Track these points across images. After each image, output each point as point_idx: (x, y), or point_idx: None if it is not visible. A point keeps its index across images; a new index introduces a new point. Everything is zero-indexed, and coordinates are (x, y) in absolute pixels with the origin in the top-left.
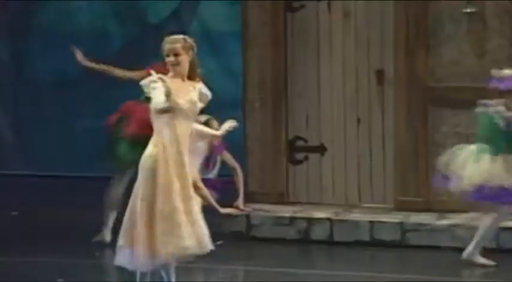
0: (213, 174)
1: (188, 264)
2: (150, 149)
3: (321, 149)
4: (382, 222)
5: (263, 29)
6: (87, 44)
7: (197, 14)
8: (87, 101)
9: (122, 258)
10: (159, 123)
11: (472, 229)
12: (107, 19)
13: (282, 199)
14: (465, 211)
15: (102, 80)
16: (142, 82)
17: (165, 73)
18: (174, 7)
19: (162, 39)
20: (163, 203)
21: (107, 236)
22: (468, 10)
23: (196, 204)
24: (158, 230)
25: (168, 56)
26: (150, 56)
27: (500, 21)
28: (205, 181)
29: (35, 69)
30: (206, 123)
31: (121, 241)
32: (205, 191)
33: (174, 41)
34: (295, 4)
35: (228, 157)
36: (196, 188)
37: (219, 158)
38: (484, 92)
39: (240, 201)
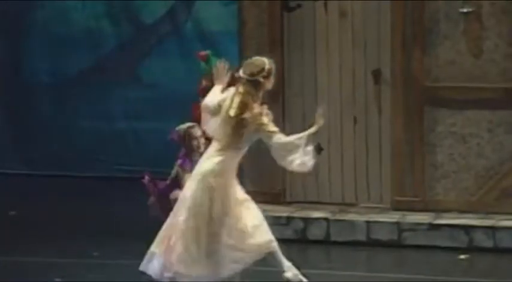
0: None
1: None
2: (219, 166)
3: (317, 149)
4: (379, 222)
5: (260, 29)
6: (81, 44)
7: (192, 14)
8: (86, 101)
9: (152, 265)
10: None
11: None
12: (101, 19)
13: (278, 199)
14: (462, 211)
15: (99, 80)
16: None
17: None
18: (168, 7)
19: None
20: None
21: None
22: (465, 10)
23: None
24: (230, 244)
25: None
26: (145, 57)
27: (497, 20)
28: None
29: (32, 69)
30: (187, 131)
31: (156, 249)
32: None
33: None
34: (292, 4)
35: None
36: None
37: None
38: (481, 92)
39: None
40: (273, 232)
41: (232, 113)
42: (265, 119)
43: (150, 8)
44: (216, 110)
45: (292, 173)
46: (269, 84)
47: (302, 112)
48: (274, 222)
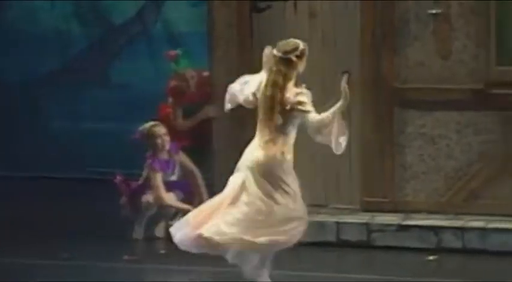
0: (174, 176)
1: (153, 265)
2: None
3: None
4: (348, 223)
5: (229, 30)
6: (51, 44)
7: (161, 14)
8: (55, 101)
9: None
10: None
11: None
12: (70, 19)
13: None
14: (431, 211)
15: (69, 81)
16: None
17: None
18: (138, 8)
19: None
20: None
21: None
22: (433, 11)
23: None
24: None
25: None
26: (114, 57)
27: (465, 21)
28: (169, 184)
29: (0, 69)
30: (150, 130)
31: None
32: (171, 200)
33: None
34: (262, 4)
35: (183, 159)
36: (159, 198)
37: (177, 159)
38: (449, 93)
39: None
40: None
41: (265, 91)
42: (303, 98)
43: (120, 9)
44: (250, 101)
45: None
46: (302, 66)
47: None
48: None
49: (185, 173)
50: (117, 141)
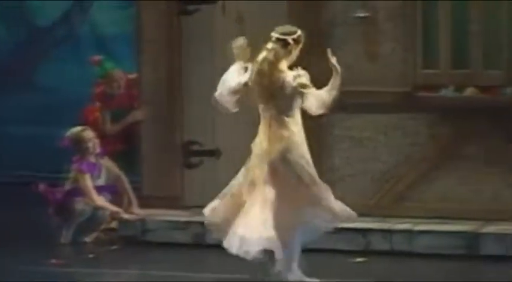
0: (100, 179)
1: (81, 269)
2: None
3: (216, 153)
4: None
5: (158, 32)
6: None
7: (88, 17)
8: None
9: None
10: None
11: (365, 232)
12: None
13: (177, 203)
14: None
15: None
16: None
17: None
18: (64, 10)
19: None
20: None
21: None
22: (361, 15)
23: None
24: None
25: None
26: (40, 60)
27: (393, 25)
28: (97, 188)
29: None
30: (79, 135)
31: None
32: (101, 201)
33: None
34: (190, 7)
35: (109, 164)
36: (89, 199)
37: (103, 164)
38: (377, 96)
39: (134, 206)
40: (171, 237)
41: (256, 66)
42: (302, 80)
43: (45, 11)
44: (239, 90)
45: (190, 177)
46: (296, 51)
47: (200, 116)
48: (172, 227)
49: (111, 177)
50: (42, 145)
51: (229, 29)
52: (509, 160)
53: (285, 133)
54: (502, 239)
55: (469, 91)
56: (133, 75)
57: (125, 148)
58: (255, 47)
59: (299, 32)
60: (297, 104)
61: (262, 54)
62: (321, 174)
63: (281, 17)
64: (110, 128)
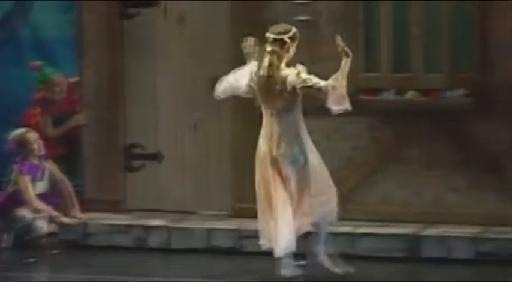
0: (42, 182)
1: (21, 273)
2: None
3: (157, 156)
4: (219, 229)
5: (99, 35)
6: None
7: (29, 20)
8: None
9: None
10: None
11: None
12: None
13: (118, 207)
14: None
15: None
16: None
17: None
18: (4, 12)
19: None
20: None
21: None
22: (302, 18)
23: None
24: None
25: None
26: None
27: (334, 29)
28: (41, 196)
29: None
30: (23, 137)
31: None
32: (40, 204)
33: None
34: (132, 11)
35: (52, 168)
36: (28, 201)
37: (47, 167)
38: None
39: (76, 210)
40: (113, 240)
41: (262, 72)
42: (304, 75)
43: None
44: (247, 92)
45: (132, 180)
46: (293, 49)
47: (142, 119)
48: (113, 230)
49: (54, 181)
50: None
51: (170, 31)
52: (450, 163)
53: (288, 130)
54: (443, 242)
55: (410, 94)
56: (74, 79)
57: (66, 152)
58: (196, 51)
59: (294, 29)
60: (293, 100)
61: (266, 59)
62: None
63: (222, 18)
64: (52, 132)
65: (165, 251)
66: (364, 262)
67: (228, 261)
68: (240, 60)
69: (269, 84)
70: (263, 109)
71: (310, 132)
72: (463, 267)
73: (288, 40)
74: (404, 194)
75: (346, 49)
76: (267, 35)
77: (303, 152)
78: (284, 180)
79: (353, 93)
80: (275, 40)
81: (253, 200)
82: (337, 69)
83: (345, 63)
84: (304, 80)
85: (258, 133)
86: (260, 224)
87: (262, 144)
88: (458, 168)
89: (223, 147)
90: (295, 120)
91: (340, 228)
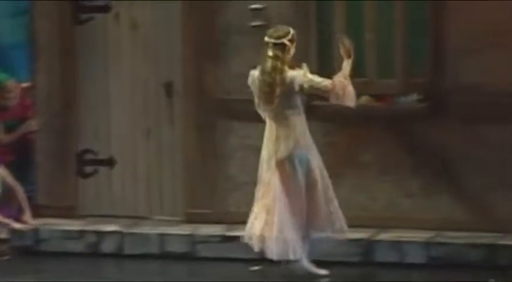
0: None
1: None
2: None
3: (110, 162)
4: (172, 234)
5: (51, 41)
6: None
7: None
8: None
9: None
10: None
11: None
12: None
13: (71, 213)
14: None
15: None
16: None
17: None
18: None
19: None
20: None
21: None
22: (255, 24)
23: None
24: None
25: None
26: None
27: None
28: None
29: None
30: None
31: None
32: None
33: None
34: (84, 16)
35: (4, 174)
36: None
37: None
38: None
39: (27, 216)
40: (65, 246)
41: (265, 77)
42: (310, 75)
43: None
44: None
45: (85, 186)
46: (293, 49)
47: (95, 125)
48: (66, 236)
49: (6, 187)
50: None
51: (123, 36)
52: (404, 168)
53: (291, 130)
54: (397, 247)
55: (364, 99)
56: (26, 84)
57: (19, 158)
58: (149, 56)
59: (292, 31)
60: (297, 99)
61: (268, 64)
62: (217, 183)
63: (175, 23)
64: (4, 138)
65: (118, 256)
66: (318, 266)
67: (182, 266)
68: (192, 65)
69: (272, 88)
70: (266, 112)
71: (263, 138)
72: (416, 272)
73: (288, 43)
74: (358, 199)
75: (350, 50)
76: (267, 39)
77: (307, 153)
78: (289, 181)
79: (307, 98)
80: (275, 44)
81: (206, 205)
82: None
83: (347, 64)
84: (311, 80)
85: (212, 138)
86: (250, 220)
87: (266, 146)
88: (412, 173)
89: (176, 153)
90: (299, 121)
91: None
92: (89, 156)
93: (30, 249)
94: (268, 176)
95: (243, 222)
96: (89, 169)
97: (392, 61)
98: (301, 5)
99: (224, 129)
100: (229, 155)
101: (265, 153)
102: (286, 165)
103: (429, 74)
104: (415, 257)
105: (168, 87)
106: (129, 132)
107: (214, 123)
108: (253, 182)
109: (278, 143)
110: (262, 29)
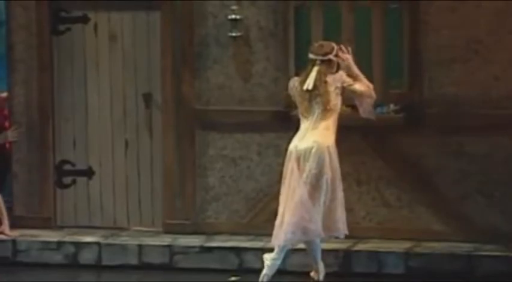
0: None
1: None
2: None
3: (88, 173)
4: (151, 245)
5: (29, 52)
6: None
7: None
8: None
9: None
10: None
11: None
12: None
13: (49, 224)
14: (233, 233)
15: None
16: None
17: None
18: None
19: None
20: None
21: None
22: (233, 34)
23: None
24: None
25: None
26: None
27: (265, 45)
28: None
29: None
30: None
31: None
32: None
33: None
34: (61, 27)
35: None
36: None
37: None
38: (250, 115)
39: (5, 227)
40: (43, 257)
41: (307, 86)
42: (350, 81)
43: None
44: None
45: (63, 197)
46: (336, 62)
47: (73, 135)
48: (44, 247)
49: None
50: None
51: (101, 48)
52: (381, 179)
53: (323, 132)
54: (374, 257)
55: (342, 110)
56: (4, 95)
57: None
58: (128, 67)
59: (335, 46)
60: (337, 102)
61: (312, 75)
62: (195, 194)
63: (154, 35)
64: None
65: (96, 267)
66: (294, 277)
67: (160, 277)
68: (170, 76)
69: (313, 97)
70: (301, 117)
71: (241, 148)
72: None
73: (334, 58)
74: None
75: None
76: (312, 57)
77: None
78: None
79: (284, 109)
80: (322, 61)
81: (185, 216)
82: (266, 86)
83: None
84: (351, 84)
85: (191, 149)
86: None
87: (293, 142)
88: (389, 183)
89: (154, 164)
90: (332, 124)
91: (270, 243)
92: (67, 167)
93: (8, 260)
94: (290, 168)
95: (222, 232)
96: (66, 180)
97: (369, 72)
98: (279, 15)
99: (203, 140)
100: (208, 166)
101: (292, 147)
102: (309, 160)
103: (406, 85)
104: (393, 267)
105: (147, 98)
106: (108, 142)
107: (193, 134)
108: (231, 193)
109: (305, 140)
110: (239, 40)
